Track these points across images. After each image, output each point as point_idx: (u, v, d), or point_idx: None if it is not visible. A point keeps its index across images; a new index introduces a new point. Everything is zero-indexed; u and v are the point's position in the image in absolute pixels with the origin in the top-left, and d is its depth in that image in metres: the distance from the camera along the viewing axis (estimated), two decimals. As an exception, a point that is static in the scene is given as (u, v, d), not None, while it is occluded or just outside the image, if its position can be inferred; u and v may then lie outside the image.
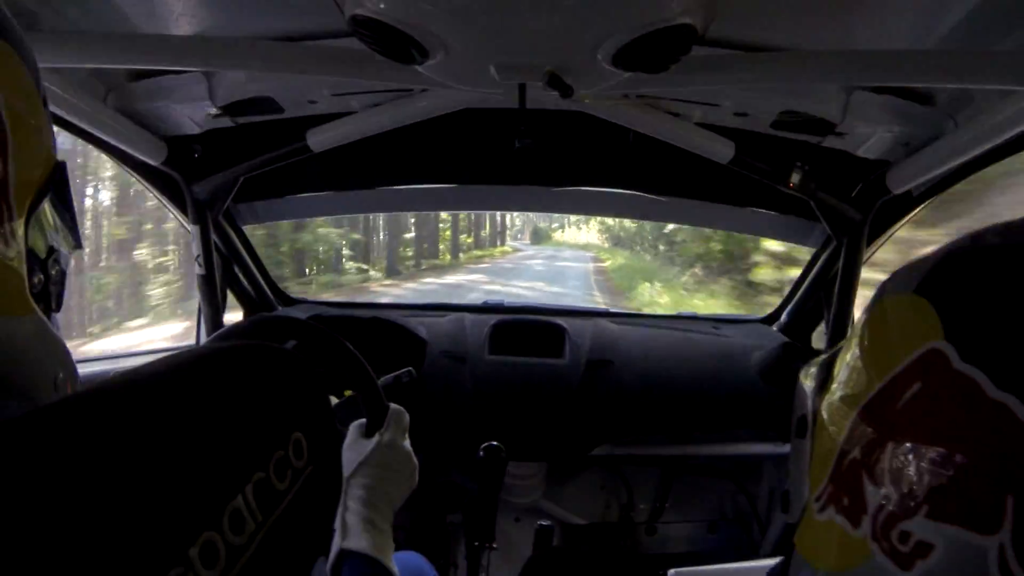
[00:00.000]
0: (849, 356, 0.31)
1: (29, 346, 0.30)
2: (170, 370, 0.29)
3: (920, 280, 0.28)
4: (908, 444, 0.25)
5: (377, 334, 1.46)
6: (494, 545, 1.22)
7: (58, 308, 0.35)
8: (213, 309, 1.37)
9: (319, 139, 1.17)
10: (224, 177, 1.26)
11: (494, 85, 0.87)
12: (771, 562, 0.43)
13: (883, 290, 0.31)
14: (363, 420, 0.75)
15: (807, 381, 0.39)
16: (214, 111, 1.09)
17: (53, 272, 0.34)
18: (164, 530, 0.24)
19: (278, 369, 0.34)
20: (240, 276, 1.55)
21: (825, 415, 0.31)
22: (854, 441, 0.28)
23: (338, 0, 0.69)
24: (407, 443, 0.74)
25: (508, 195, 1.54)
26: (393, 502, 0.68)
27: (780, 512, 1.45)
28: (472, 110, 1.11)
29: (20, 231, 0.31)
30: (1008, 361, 0.23)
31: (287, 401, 0.33)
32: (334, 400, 0.90)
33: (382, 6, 0.67)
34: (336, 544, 0.60)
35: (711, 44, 0.89)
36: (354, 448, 0.70)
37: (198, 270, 1.36)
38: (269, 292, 1.64)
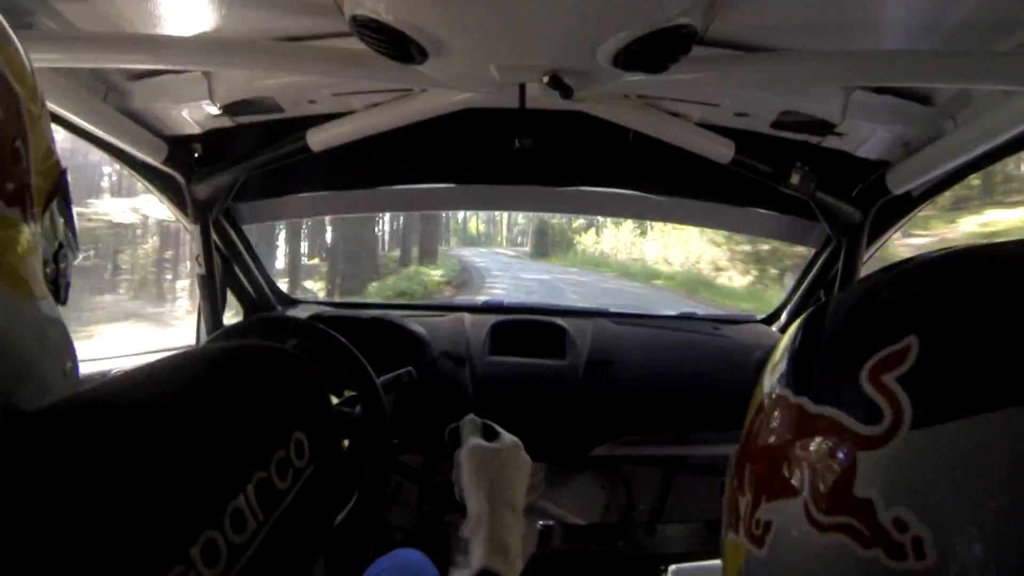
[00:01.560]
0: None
1: (46, 331, 0.31)
2: (171, 370, 0.29)
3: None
4: (755, 457, 0.31)
5: (377, 334, 1.46)
6: None
7: (64, 301, 0.36)
8: (213, 309, 1.37)
9: (319, 139, 1.17)
10: (224, 177, 1.26)
11: (494, 85, 0.87)
12: None
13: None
14: (472, 421, 0.75)
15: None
16: (214, 111, 1.09)
17: (62, 265, 0.35)
18: (165, 528, 0.24)
19: (279, 369, 0.34)
20: (240, 276, 1.55)
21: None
22: (735, 471, 0.34)
23: (338, 0, 0.69)
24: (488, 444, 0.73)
25: (508, 195, 1.54)
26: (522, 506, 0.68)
27: None
28: (472, 110, 1.11)
29: (38, 221, 0.32)
30: (801, 374, 0.30)
31: (288, 401, 0.33)
32: (334, 400, 0.90)
33: (382, 6, 0.67)
34: (476, 558, 0.60)
35: (711, 44, 0.89)
36: (479, 452, 0.69)
37: (198, 270, 1.36)
38: (269, 292, 1.64)
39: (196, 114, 1.10)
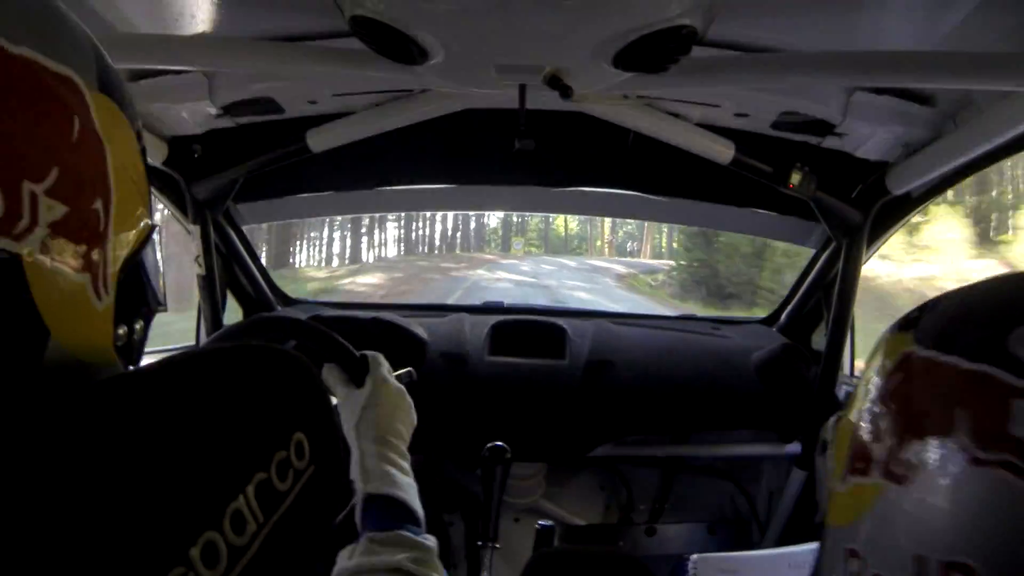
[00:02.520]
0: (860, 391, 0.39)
1: None
2: (170, 371, 0.29)
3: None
4: (897, 408, 0.34)
5: (377, 335, 1.46)
6: (496, 545, 1.22)
7: (136, 363, 0.36)
8: (213, 309, 1.37)
9: (319, 139, 1.17)
10: (224, 177, 1.26)
11: (494, 85, 0.87)
12: (789, 550, 0.49)
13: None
14: (347, 378, 0.74)
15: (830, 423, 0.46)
16: (214, 111, 1.09)
17: (137, 327, 0.35)
18: (165, 530, 0.24)
19: (279, 370, 0.34)
20: (240, 276, 1.55)
21: (842, 424, 0.39)
22: (862, 422, 0.36)
23: (338, 0, 0.69)
24: (393, 379, 0.74)
25: (508, 195, 1.54)
26: (405, 439, 0.69)
27: (780, 512, 1.45)
28: (472, 110, 1.11)
29: (113, 283, 0.32)
30: (951, 334, 0.33)
31: (288, 402, 0.33)
32: (334, 400, 0.90)
33: (382, 7, 0.67)
34: (359, 491, 0.61)
35: (711, 44, 0.89)
36: (349, 401, 0.71)
37: (198, 270, 1.36)
38: (269, 292, 1.64)
39: (196, 114, 1.10)
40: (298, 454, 0.31)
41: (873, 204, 1.20)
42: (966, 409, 0.30)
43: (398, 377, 1.05)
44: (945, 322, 0.36)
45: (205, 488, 0.26)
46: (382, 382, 0.72)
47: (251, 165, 1.24)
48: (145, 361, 0.34)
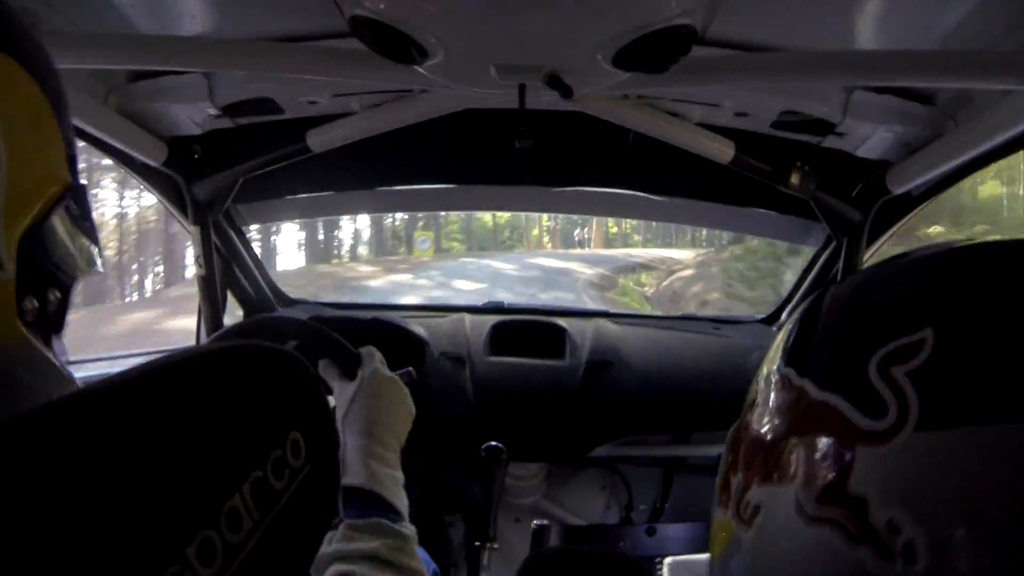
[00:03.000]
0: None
1: (16, 375, 0.30)
2: (167, 369, 0.29)
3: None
4: (751, 436, 0.31)
5: (377, 335, 1.46)
6: (495, 545, 1.22)
7: (58, 332, 0.35)
8: (213, 309, 1.38)
9: (319, 140, 1.17)
10: (224, 177, 1.26)
11: (494, 85, 0.87)
12: None
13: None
14: (339, 371, 0.75)
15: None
16: (214, 111, 1.09)
17: (52, 297, 0.33)
18: (161, 528, 0.24)
19: (274, 368, 0.34)
20: (240, 277, 1.55)
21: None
22: (730, 447, 0.34)
23: (338, 0, 0.69)
24: (388, 371, 0.74)
25: (508, 195, 1.54)
26: (397, 432, 0.69)
27: None
28: (472, 110, 1.11)
29: (12, 254, 0.30)
30: (803, 355, 0.30)
31: (284, 401, 0.33)
32: (332, 401, 0.90)
33: (382, 6, 0.67)
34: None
35: (711, 44, 0.89)
36: (341, 393, 0.71)
37: (198, 271, 1.36)
38: (269, 293, 1.64)
39: (196, 115, 1.10)
40: (294, 453, 0.31)
41: (873, 203, 1.20)
42: (807, 450, 0.26)
43: (398, 377, 1.05)
44: (802, 330, 0.30)
45: (201, 486, 0.26)
46: (371, 375, 0.72)
47: (251, 165, 1.24)
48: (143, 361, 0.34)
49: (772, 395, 0.30)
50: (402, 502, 0.63)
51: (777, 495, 0.27)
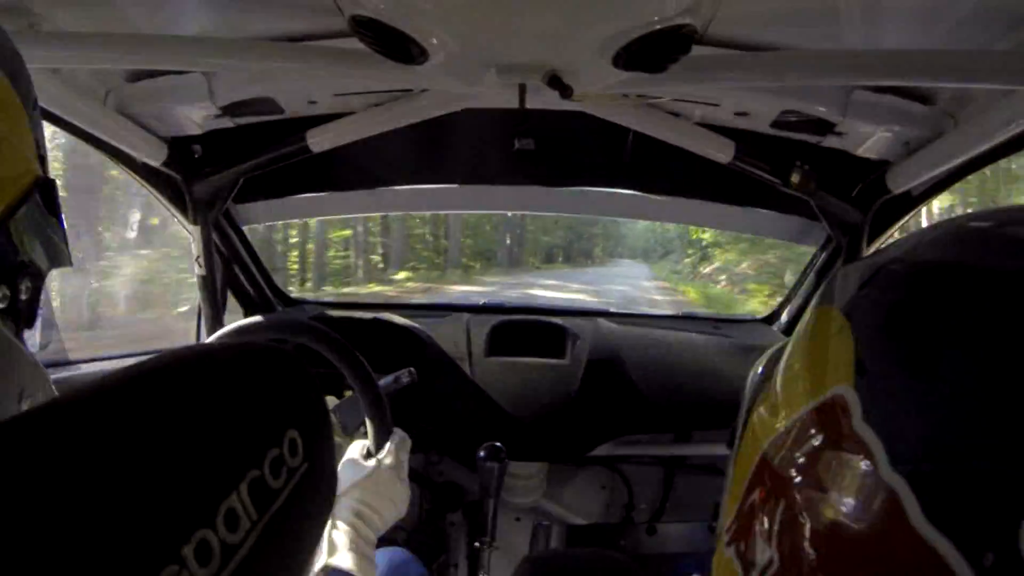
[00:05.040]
0: (785, 365, 0.27)
1: None
2: (162, 368, 0.29)
3: (850, 296, 0.23)
4: (796, 506, 0.22)
5: (377, 335, 1.46)
6: (495, 545, 1.22)
7: (29, 324, 0.35)
8: (213, 309, 1.38)
9: (319, 139, 1.17)
10: (224, 177, 1.26)
11: (494, 85, 0.87)
12: None
13: (824, 296, 0.26)
14: (365, 441, 0.76)
15: (752, 379, 0.34)
16: (214, 111, 1.09)
17: (23, 288, 0.33)
18: (157, 528, 0.24)
19: (272, 367, 0.33)
20: (240, 276, 1.55)
21: (755, 428, 0.28)
22: (756, 481, 0.25)
23: (338, 1, 0.69)
24: (405, 471, 0.76)
25: (508, 195, 1.54)
26: (379, 529, 0.70)
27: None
28: (472, 110, 1.11)
29: None
30: (909, 430, 0.19)
31: (281, 399, 0.33)
32: (334, 400, 0.90)
33: (381, 6, 0.67)
34: (321, 559, 0.62)
35: (711, 44, 0.89)
36: (351, 467, 0.72)
37: (198, 270, 1.36)
38: (269, 293, 1.64)
39: (196, 115, 1.10)
40: (291, 451, 0.31)
41: (873, 203, 1.20)
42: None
43: (397, 377, 1.05)
44: (896, 363, 0.20)
45: (198, 486, 0.26)
46: (391, 467, 0.73)
47: (251, 165, 1.24)
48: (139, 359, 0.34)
49: (853, 491, 0.20)
50: None
51: None
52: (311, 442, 0.33)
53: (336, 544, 0.63)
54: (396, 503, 0.73)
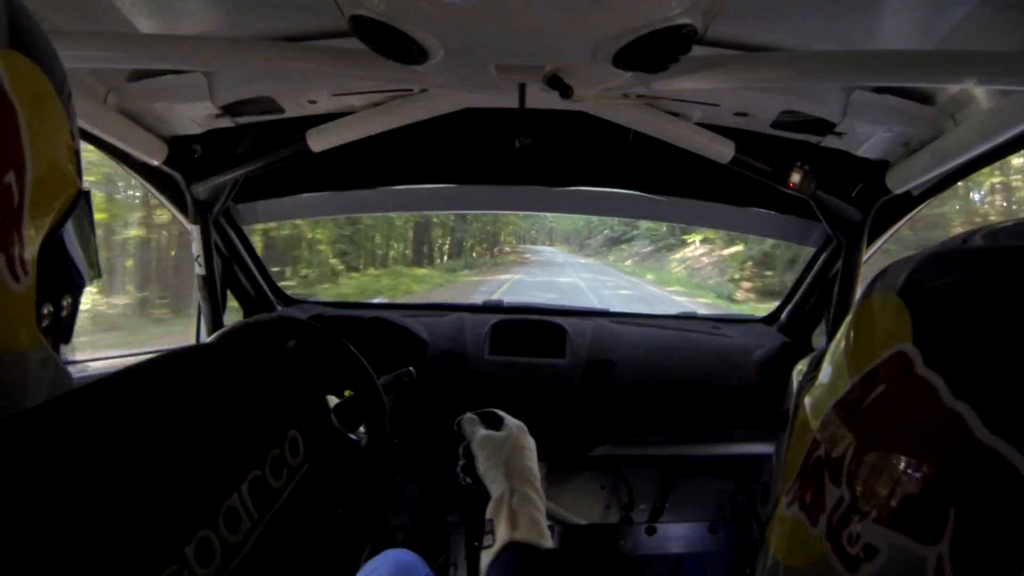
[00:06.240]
0: (833, 351, 0.31)
1: (34, 380, 0.29)
2: (165, 368, 0.29)
3: (903, 280, 0.28)
4: (867, 447, 0.25)
5: (377, 334, 1.46)
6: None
7: (67, 339, 0.34)
8: (213, 309, 1.38)
9: (319, 139, 1.17)
10: (224, 177, 1.26)
11: (494, 85, 0.87)
12: None
13: (872, 287, 0.30)
14: (471, 418, 0.80)
15: (797, 375, 0.39)
16: (214, 111, 1.09)
17: (65, 303, 0.33)
18: (159, 528, 0.24)
19: (274, 367, 0.33)
20: (240, 276, 1.55)
21: (806, 409, 0.31)
22: (822, 438, 0.28)
23: (338, 0, 0.69)
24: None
25: (508, 195, 1.54)
26: (541, 489, 0.69)
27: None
28: (472, 110, 1.11)
29: (33, 261, 0.29)
30: (968, 367, 0.23)
31: (283, 399, 0.33)
32: (334, 400, 0.90)
33: (381, 6, 0.67)
34: (501, 534, 0.60)
35: (711, 44, 0.89)
36: (487, 441, 0.73)
37: (198, 270, 1.36)
38: (269, 292, 1.64)
39: (196, 114, 1.10)
40: (292, 452, 0.31)
41: (873, 203, 1.20)
42: (963, 507, 0.21)
43: (398, 376, 1.05)
44: (966, 326, 0.24)
45: (199, 486, 0.26)
46: (519, 429, 0.76)
47: (251, 165, 1.24)
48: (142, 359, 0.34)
49: (922, 420, 0.23)
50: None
51: (908, 552, 0.22)
52: (312, 442, 0.32)
53: (519, 515, 0.61)
54: (535, 461, 0.73)
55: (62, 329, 0.33)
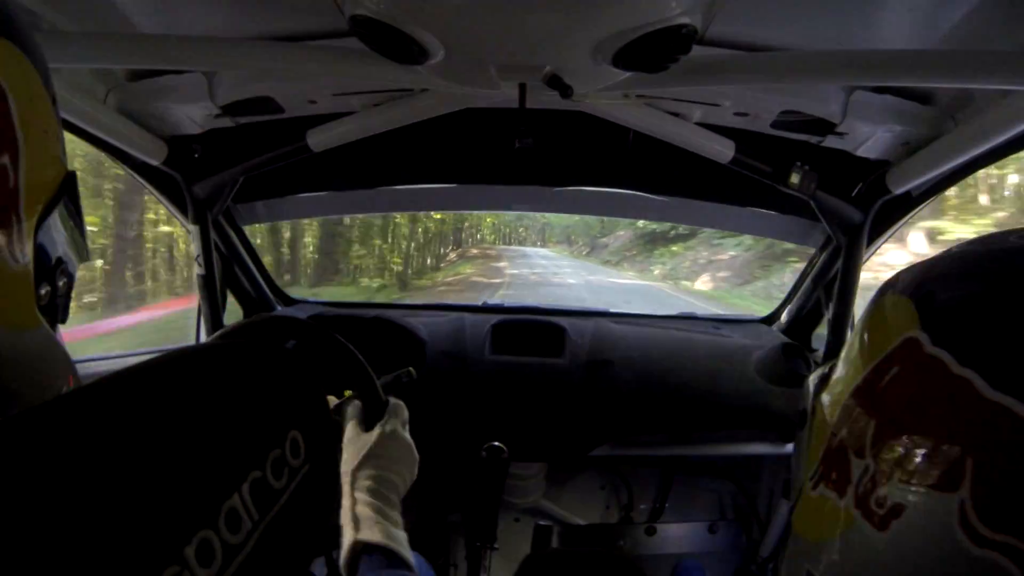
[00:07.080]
0: (846, 352, 0.34)
1: (35, 359, 0.30)
2: (166, 368, 0.29)
3: (909, 283, 0.31)
4: (886, 419, 0.28)
5: (377, 334, 1.46)
6: (495, 545, 1.22)
7: (63, 319, 0.35)
8: (213, 309, 1.38)
9: (319, 139, 1.17)
10: (224, 177, 1.26)
11: (494, 85, 0.87)
12: None
13: (883, 291, 0.33)
14: (360, 415, 0.75)
15: (812, 379, 0.42)
16: (214, 111, 1.09)
17: (60, 283, 0.34)
18: (160, 528, 0.24)
19: (275, 368, 0.33)
20: (240, 276, 1.55)
21: (823, 404, 0.34)
22: (843, 422, 0.31)
23: (338, 0, 0.69)
24: (407, 434, 0.75)
25: (508, 195, 1.54)
26: (400, 493, 0.69)
27: (781, 509, 1.45)
28: (472, 110, 1.11)
29: (30, 242, 0.30)
30: (971, 341, 0.26)
31: (284, 400, 0.33)
32: (334, 400, 0.90)
33: (382, 6, 0.67)
34: (348, 538, 0.60)
35: (711, 44, 0.89)
36: (355, 442, 0.71)
37: (198, 270, 1.36)
38: (269, 292, 1.64)
39: (196, 114, 1.10)
40: (293, 452, 0.31)
41: (873, 203, 1.20)
42: (978, 456, 0.23)
43: (398, 376, 1.05)
44: (965, 310, 0.27)
45: (199, 486, 0.26)
46: (391, 435, 0.72)
47: (251, 165, 1.24)
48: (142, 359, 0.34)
49: (935, 389, 0.26)
50: (411, 559, 0.62)
51: (933, 503, 0.24)
52: (313, 443, 0.32)
53: (361, 518, 0.61)
54: (409, 465, 0.72)
55: (58, 309, 0.34)
